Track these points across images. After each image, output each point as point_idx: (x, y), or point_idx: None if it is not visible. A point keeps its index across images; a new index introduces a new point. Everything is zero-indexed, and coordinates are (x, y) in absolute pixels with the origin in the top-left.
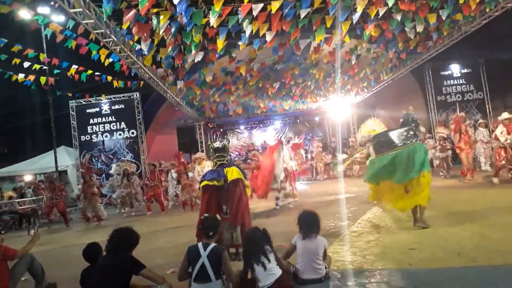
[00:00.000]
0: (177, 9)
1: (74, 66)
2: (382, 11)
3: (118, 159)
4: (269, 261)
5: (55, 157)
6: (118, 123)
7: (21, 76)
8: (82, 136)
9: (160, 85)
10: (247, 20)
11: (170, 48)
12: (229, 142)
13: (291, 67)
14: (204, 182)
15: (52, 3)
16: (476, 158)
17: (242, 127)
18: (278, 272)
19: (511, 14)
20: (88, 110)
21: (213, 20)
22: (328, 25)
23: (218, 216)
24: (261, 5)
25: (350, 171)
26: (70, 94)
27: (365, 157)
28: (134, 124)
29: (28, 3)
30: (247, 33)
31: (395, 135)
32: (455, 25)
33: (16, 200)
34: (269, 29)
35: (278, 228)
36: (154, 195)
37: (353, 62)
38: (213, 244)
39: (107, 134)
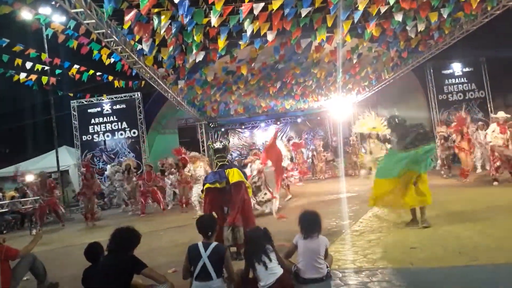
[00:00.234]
0: (178, 8)
1: (76, 66)
2: (383, 10)
3: (119, 159)
4: (270, 260)
5: (57, 157)
6: (119, 123)
7: (22, 76)
8: (83, 136)
9: (161, 85)
10: (248, 19)
11: (171, 48)
12: (229, 142)
13: (292, 67)
14: (207, 185)
15: (53, 2)
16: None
17: (243, 126)
18: (279, 271)
19: None
20: (89, 110)
21: (214, 20)
22: (329, 24)
23: (214, 214)
24: (262, 4)
25: (353, 171)
26: (71, 94)
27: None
28: (135, 124)
29: (29, 3)
30: (248, 33)
31: (413, 136)
32: (456, 24)
33: (18, 200)
34: (270, 28)
35: (279, 227)
36: (149, 196)
37: (355, 61)
38: (214, 243)
39: (108, 134)
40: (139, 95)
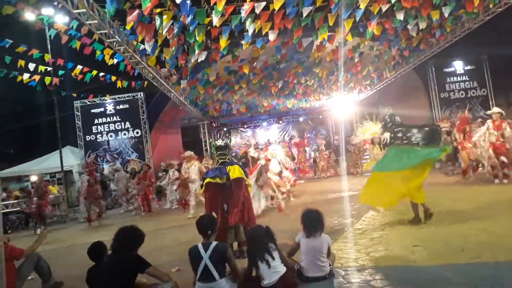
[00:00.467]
0: (180, 8)
1: (79, 67)
2: (384, 8)
3: (123, 159)
4: (273, 258)
5: (61, 157)
6: (122, 123)
7: (26, 76)
8: (87, 136)
9: (164, 85)
10: (249, 19)
11: (173, 48)
12: (230, 141)
13: (294, 66)
14: (207, 180)
15: (55, 3)
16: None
17: (245, 126)
18: (282, 269)
19: None
20: (92, 110)
21: (216, 20)
22: (331, 23)
23: (214, 214)
24: (263, 3)
25: (354, 169)
26: (74, 95)
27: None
28: (138, 124)
29: (32, 3)
30: (250, 32)
31: (417, 134)
32: (458, 22)
33: (22, 200)
34: (272, 28)
35: (281, 226)
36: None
37: (356, 60)
38: (214, 243)
39: (112, 134)
40: (142, 95)
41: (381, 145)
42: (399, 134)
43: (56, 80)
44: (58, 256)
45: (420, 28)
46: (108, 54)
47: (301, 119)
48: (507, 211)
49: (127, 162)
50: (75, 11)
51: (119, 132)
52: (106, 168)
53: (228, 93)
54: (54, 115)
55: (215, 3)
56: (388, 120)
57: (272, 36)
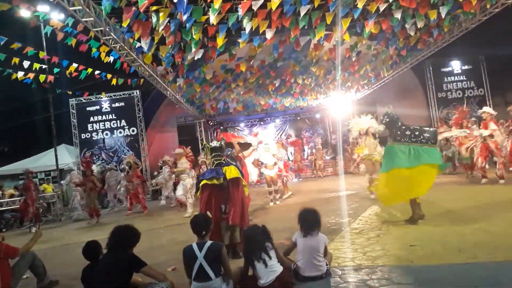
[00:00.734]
0: (177, 6)
1: (74, 64)
2: (382, 8)
3: (118, 157)
4: (270, 258)
5: (56, 155)
6: (118, 121)
7: (20, 74)
8: (82, 134)
9: (160, 83)
10: (247, 17)
11: (170, 46)
12: (224, 141)
13: (291, 65)
14: (203, 181)
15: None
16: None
17: (242, 124)
18: (279, 269)
19: None
20: (88, 108)
21: (213, 17)
22: (329, 22)
23: (209, 214)
24: (261, 1)
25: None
26: (70, 92)
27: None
28: (134, 122)
29: (27, 0)
30: (247, 30)
31: (405, 131)
32: (455, 22)
33: (17, 198)
34: (269, 26)
35: (277, 225)
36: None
37: (354, 59)
38: (209, 242)
39: (107, 132)
40: (138, 93)
41: (375, 136)
42: (407, 132)
43: (51, 78)
44: (53, 254)
45: (418, 27)
46: (104, 52)
47: (298, 118)
48: (504, 211)
49: (122, 160)
50: (71, 8)
51: (115, 130)
52: (95, 168)
53: (225, 91)
54: (49, 113)
55: (212, 1)
56: (387, 117)
57: (269, 35)
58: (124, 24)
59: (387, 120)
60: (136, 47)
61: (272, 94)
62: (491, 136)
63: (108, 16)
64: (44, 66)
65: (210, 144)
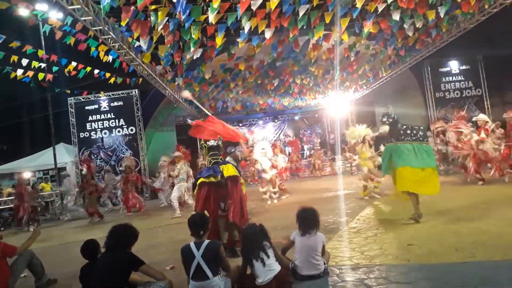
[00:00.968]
0: (176, 5)
1: (73, 63)
2: (381, 8)
3: (117, 156)
4: (268, 257)
5: (54, 154)
6: (117, 120)
7: (19, 73)
8: (81, 133)
9: (159, 82)
10: (245, 16)
11: (169, 45)
12: (221, 141)
13: (290, 64)
14: (200, 180)
15: None
16: None
17: (241, 124)
18: (277, 268)
19: (510, 10)
20: (86, 107)
21: (211, 17)
22: (327, 21)
23: (206, 213)
24: (259, 1)
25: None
26: (68, 91)
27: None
28: (133, 121)
29: None
30: (246, 30)
31: (405, 130)
32: (453, 22)
33: (13, 198)
34: (268, 25)
35: (275, 224)
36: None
37: (352, 59)
38: (207, 241)
39: (106, 131)
40: (136, 92)
41: (370, 144)
42: (408, 131)
43: (49, 77)
44: (51, 253)
45: (416, 28)
46: (102, 51)
47: (296, 117)
48: (500, 210)
49: (120, 159)
50: (69, 7)
51: (113, 129)
52: (85, 170)
53: (223, 91)
54: (48, 112)
55: (210, 0)
56: (389, 117)
57: (268, 34)
58: (123, 23)
59: (390, 120)
60: (135, 46)
61: (271, 93)
62: (481, 142)
63: (107, 15)
64: (43, 65)
65: (208, 143)
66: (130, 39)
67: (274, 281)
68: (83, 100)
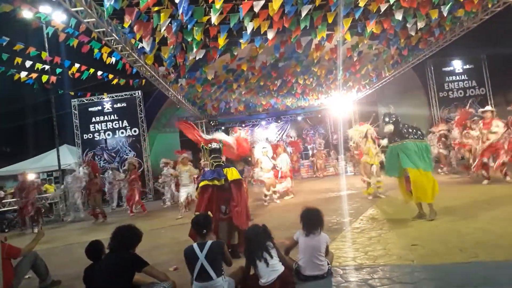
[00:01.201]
0: (178, 6)
1: (76, 65)
2: (383, 8)
3: (120, 158)
4: (271, 257)
5: (58, 155)
6: (120, 122)
7: (23, 75)
8: (84, 135)
9: (162, 83)
10: (248, 17)
11: (171, 47)
12: (222, 143)
13: (292, 65)
14: (204, 182)
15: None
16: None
17: (244, 125)
18: (280, 268)
19: None
20: (90, 109)
21: (214, 18)
22: (330, 21)
23: (209, 213)
24: (262, 2)
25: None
26: (72, 93)
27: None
28: (136, 123)
29: (29, 1)
30: (249, 31)
31: (407, 128)
32: (457, 21)
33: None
34: (271, 26)
35: (277, 224)
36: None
37: (355, 59)
38: (210, 242)
39: (109, 132)
40: (139, 93)
41: (373, 140)
42: (410, 130)
43: (53, 79)
44: (55, 254)
45: (419, 27)
46: (106, 53)
47: (299, 118)
48: (504, 210)
49: (124, 160)
50: (72, 9)
51: (117, 131)
52: (81, 170)
53: (226, 91)
54: (52, 114)
55: (213, 1)
56: (393, 116)
57: (270, 35)
58: (126, 25)
59: (394, 119)
60: (138, 47)
61: (274, 94)
62: (496, 134)
63: (110, 17)
64: (46, 67)
65: (210, 145)
66: (133, 41)
67: (278, 281)
68: (86, 101)
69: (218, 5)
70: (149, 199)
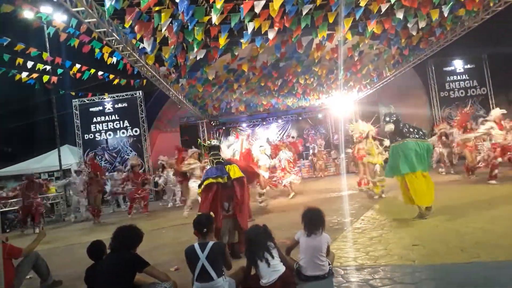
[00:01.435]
0: (179, 6)
1: (77, 65)
2: (384, 7)
3: (121, 158)
4: (272, 257)
5: (59, 155)
6: (121, 122)
7: (24, 75)
8: (85, 135)
9: (162, 83)
10: (248, 17)
11: (172, 47)
12: (220, 141)
13: (293, 65)
14: (209, 180)
15: (55, 0)
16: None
17: (244, 124)
18: (282, 268)
19: None
20: (91, 109)
21: (215, 18)
22: (331, 21)
23: (212, 214)
24: (263, 2)
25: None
26: (73, 93)
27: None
28: (137, 123)
29: (30, 1)
30: (249, 30)
31: (408, 128)
32: (458, 21)
33: (20, 199)
34: (271, 26)
35: (278, 225)
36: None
37: (356, 59)
38: (211, 243)
39: (110, 132)
40: (140, 93)
41: (373, 138)
42: (411, 129)
43: (54, 79)
44: (57, 255)
45: (420, 27)
46: (107, 53)
47: (300, 118)
48: (505, 209)
49: (125, 161)
50: (73, 9)
51: (118, 131)
52: (75, 176)
53: (227, 91)
54: (53, 114)
55: (214, 1)
56: (393, 116)
57: (271, 35)
58: (126, 25)
59: (394, 118)
60: (139, 47)
61: (275, 94)
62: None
63: (111, 17)
64: (47, 68)
65: (212, 142)
66: (134, 41)
67: (279, 281)
68: (87, 102)
69: (219, 5)
70: (150, 200)
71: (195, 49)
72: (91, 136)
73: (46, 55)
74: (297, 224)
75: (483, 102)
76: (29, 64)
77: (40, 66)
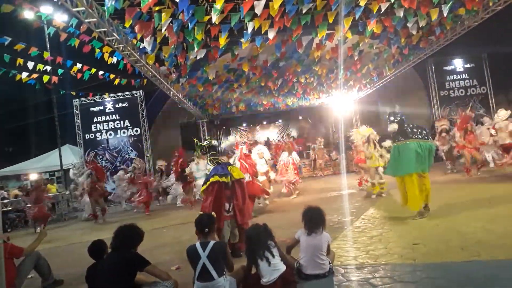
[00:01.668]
0: (179, 6)
1: (78, 65)
2: (384, 7)
3: (122, 157)
4: (273, 256)
5: (60, 155)
6: (122, 121)
7: (24, 75)
8: (86, 135)
9: (163, 83)
10: (248, 17)
11: (172, 46)
12: (220, 140)
13: (293, 64)
14: (216, 178)
15: (55, 0)
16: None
17: (245, 124)
18: (282, 267)
19: None
20: (92, 109)
21: (215, 17)
22: (331, 21)
23: (214, 214)
24: (263, 1)
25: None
26: (74, 93)
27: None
28: (138, 122)
29: (30, 1)
30: (249, 30)
31: (412, 128)
32: (458, 20)
33: (21, 199)
34: (271, 26)
35: (278, 224)
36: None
37: (356, 58)
38: (212, 242)
39: (111, 132)
40: (141, 93)
41: (375, 143)
42: (415, 129)
43: (55, 79)
44: (58, 254)
45: (420, 26)
46: (107, 52)
47: (300, 117)
48: (506, 209)
49: (126, 160)
50: (74, 9)
51: (118, 131)
52: (71, 171)
53: (227, 91)
54: (53, 114)
55: (214, 1)
56: (397, 116)
57: (271, 34)
58: (127, 25)
59: (398, 118)
60: (139, 47)
61: (275, 93)
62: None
63: (111, 17)
64: (48, 68)
65: (212, 142)
66: (134, 41)
67: (279, 280)
68: (88, 101)
69: (219, 5)
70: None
71: (195, 49)
72: (92, 135)
73: (47, 54)
74: (297, 223)
75: (483, 101)
76: (30, 64)
77: (40, 66)
